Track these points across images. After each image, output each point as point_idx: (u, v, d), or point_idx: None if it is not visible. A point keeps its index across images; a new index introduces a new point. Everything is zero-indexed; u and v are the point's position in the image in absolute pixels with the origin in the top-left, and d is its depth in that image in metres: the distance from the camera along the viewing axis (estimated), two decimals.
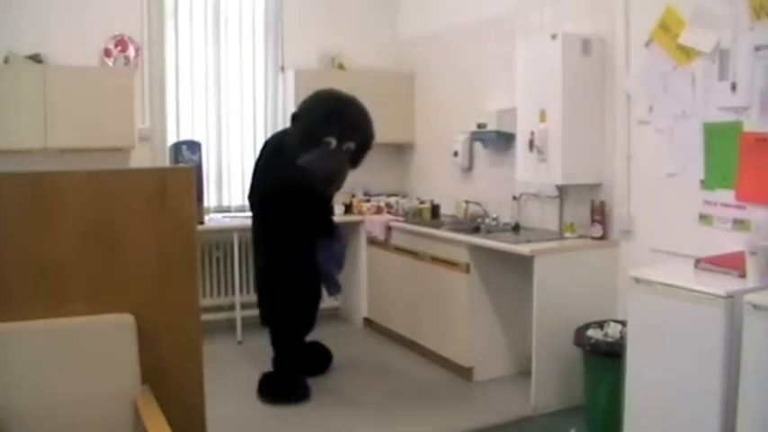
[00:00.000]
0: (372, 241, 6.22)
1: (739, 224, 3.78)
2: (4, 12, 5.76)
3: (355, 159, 4.87)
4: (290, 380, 4.85)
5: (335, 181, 4.82)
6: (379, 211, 6.47)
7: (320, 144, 4.66)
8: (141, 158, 6.13)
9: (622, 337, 3.82)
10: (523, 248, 4.44)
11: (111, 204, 3.12)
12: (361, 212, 6.47)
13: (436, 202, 6.21)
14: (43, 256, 3.01)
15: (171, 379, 3.20)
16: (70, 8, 5.96)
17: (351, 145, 4.75)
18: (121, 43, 6.13)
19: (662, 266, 3.74)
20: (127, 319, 3.06)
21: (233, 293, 6.29)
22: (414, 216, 6.06)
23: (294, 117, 4.84)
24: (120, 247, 3.13)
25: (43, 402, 2.86)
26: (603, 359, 3.92)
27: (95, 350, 3.00)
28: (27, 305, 2.95)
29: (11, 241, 2.95)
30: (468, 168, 6.06)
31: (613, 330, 4.06)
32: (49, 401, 2.88)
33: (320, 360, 5.32)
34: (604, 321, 4.17)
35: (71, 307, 3.02)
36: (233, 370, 5.32)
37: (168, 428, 2.73)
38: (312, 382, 4.97)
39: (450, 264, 5.10)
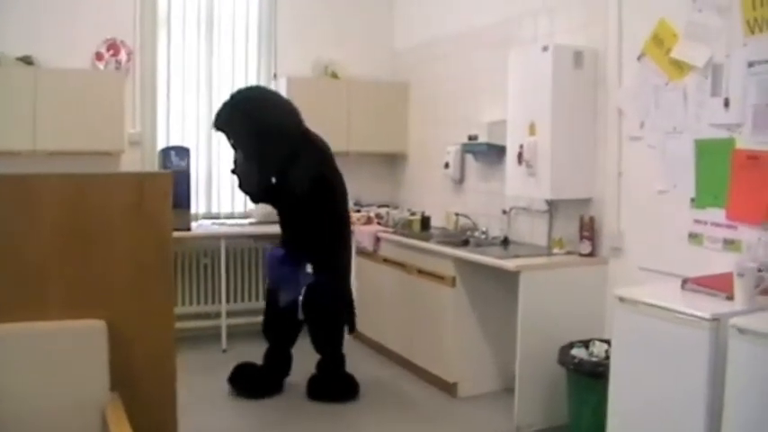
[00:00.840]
0: (361, 252, 6.14)
1: (729, 244, 3.69)
2: None
3: (247, 153, 4.78)
4: (347, 377, 4.98)
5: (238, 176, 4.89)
6: (369, 221, 6.39)
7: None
8: (131, 163, 6.08)
9: (607, 357, 3.74)
10: (509, 263, 4.35)
11: (89, 208, 3.09)
12: (351, 222, 6.38)
13: (427, 213, 6.13)
14: (19, 258, 2.97)
15: (143, 387, 3.15)
16: (63, 11, 5.94)
17: (231, 142, 4.86)
18: (113, 47, 6.09)
19: (649, 286, 3.66)
20: (98, 325, 3.00)
21: (218, 302, 6.20)
22: (403, 227, 5.98)
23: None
24: (95, 252, 3.09)
25: (8, 407, 2.80)
26: (587, 379, 3.83)
27: (64, 355, 2.95)
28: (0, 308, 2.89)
29: None
30: (460, 180, 5.98)
31: (599, 350, 3.98)
32: (15, 406, 2.82)
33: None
34: (589, 340, 4.09)
35: (45, 311, 2.98)
36: (214, 379, 5.21)
37: None
38: (293, 392, 4.95)
39: (437, 277, 5.02)
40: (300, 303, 4.81)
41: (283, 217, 5.01)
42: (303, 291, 4.79)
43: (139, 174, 3.34)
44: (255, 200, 5.24)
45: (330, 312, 4.93)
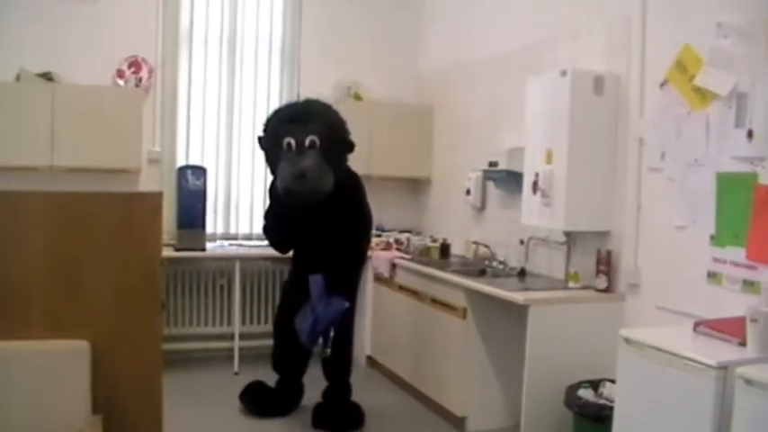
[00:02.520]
0: (378, 278, 6.01)
1: (749, 285, 3.46)
2: (18, 30, 5.78)
3: (329, 154, 4.57)
4: (353, 407, 4.88)
5: (302, 177, 4.48)
6: (387, 247, 6.25)
7: (282, 148, 4.55)
8: (149, 181, 6.05)
9: None
10: (518, 296, 4.17)
11: (75, 227, 3.04)
12: (370, 248, 6.24)
13: (449, 240, 5.99)
14: (2, 277, 2.93)
15: (127, 411, 3.08)
16: (85, 27, 5.96)
17: (314, 139, 4.53)
18: (135, 64, 6.07)
19: (660, 327, 3.48)
20: (81, 346, 2.94)
21: (232, 324, 6.11)
22: (421, 254, 5.83)
23: (259, 139, 4.82)
24: (81, 271, 3.04)
25: None
26: (592, 423, 3.62)
27: (44, 376, 2.89)
28: None
29: None
30: (481, 208, 5.82)
31: (609, 391, 3.75)
32: None
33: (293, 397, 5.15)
34: (600, 381, 3.87)
35: (27, 330, 2.93)
36: (224, 401, 5.15)
37: None
38: (299, 419, 4.89)
39: (448, 307, 4.86)
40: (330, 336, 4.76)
41: (308, 239, 4.85)
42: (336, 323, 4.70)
43: (128, 193, 3.28)
44: (311, 199, 4.63)
45: (346, 340, 4.87)
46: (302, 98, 4.89)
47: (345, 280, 4.72)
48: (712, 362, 2.78)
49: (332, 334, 4.75)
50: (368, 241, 5.11)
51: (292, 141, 4.52)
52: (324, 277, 4.58)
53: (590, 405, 3.69)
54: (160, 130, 6.22)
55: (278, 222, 4.88)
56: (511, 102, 5.32)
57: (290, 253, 5.10)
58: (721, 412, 2.75)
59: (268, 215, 4.96)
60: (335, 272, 4.62)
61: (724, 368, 2.76)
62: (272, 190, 4.81)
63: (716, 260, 3.65)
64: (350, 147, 4.68)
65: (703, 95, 3.75)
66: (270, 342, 5.24)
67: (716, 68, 3.67)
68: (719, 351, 2.91)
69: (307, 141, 4.50)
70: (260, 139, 4.79)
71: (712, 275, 3.67)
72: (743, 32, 3.52)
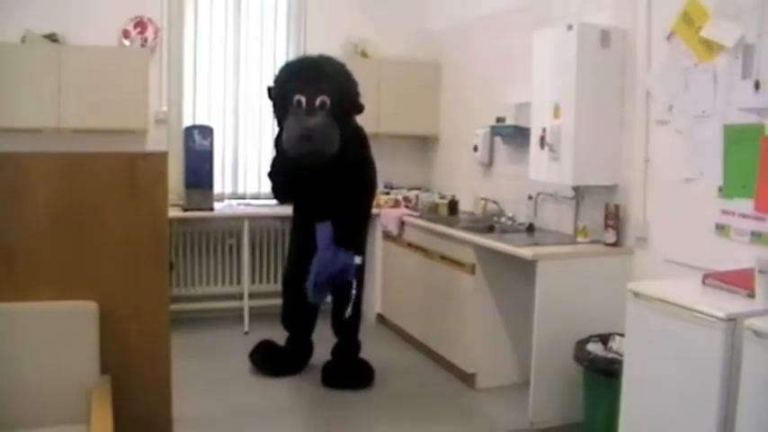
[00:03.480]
0: (387, 235, 6.00)
1: (757, 237, 3.45)
2: None
3: (338, 116, 4.53)
4: (362, 364, 4.91)
5: (309, 139, 4.44)
6: (396, 204, 6.25)
7: (292, 104, 4.50)
8: (156, 141, 6.03)
9: None
10: (526, 252, 4.16)
11: (80, 188, 3.03)
12: (378, 205, 6.24)
13: (458, 197, 5.97)
14: (9, 239, 2.93)
15: (136, 370, 3.10)
16: None
17: (324, 99, 4.48)
18: (141, 25, 6.03)
19: (668, 280, 3.47)
20: (89, 307, 2.96)
21: (242, 283, 6.14)
22: (429, 211, 5.82)
23: (269, 89, 4.75)
24: (88, 233, 3.04)
25: None
26: (601, 376, 3.64)
27: (53, 336, 2.91)
28: None
29: None
30: (489, 164, 5.79)
31: (618, 345, 3.75)
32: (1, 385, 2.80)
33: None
34: (609, 335, 3.87)
35: (36, 292, 2.94)
36: (233, 360, 5.20)
37: (111, 425, 2.60)
38: (310, 377, 4.94)
39: (457, 264, 4.86)
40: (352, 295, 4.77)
41: (316, 194, 4.79)
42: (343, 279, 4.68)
43: (133, 153, 3.25)
44: (315, 162, 4.59)
45: (355, 295, 4.84)
46: (317, 54, 4.80)
47: (353, 234, 4.71)
48: (721, 314, 2.77)
49: (353, 292, 4.74)
50: (374, 196, 5.09)
51: (303, 99, 4.47)
52: (332, 226, 4.58)
53: (599, 359, 3.70)
54: (167, 90, 6.19)
55: (281, 175, 4.86)
56: (518, 57, 5.26)
57: (291, 206, 5.09)
58: (730, 364, 2.74)
59: (274, 163, 4.95)
60: (342, 226, 4.61)
61: (733, 320, 2.75)
62: (278, 142, 4.78)
63: (724, 212, 3.63)
64: (359, 109, 4.66)
65: (710, 47, 3.70)
66: (279, 301, 5.25)
67: (722, 20, 3.61)
68: (728, 303, 2.90)
69: (317, 101, 4.45)
70: (269, 89, 4.73)
71: (720, 227, 3.65)
72: None
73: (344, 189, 4.65)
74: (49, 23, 5.74)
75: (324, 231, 4.55)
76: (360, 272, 4.81)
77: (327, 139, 4.47)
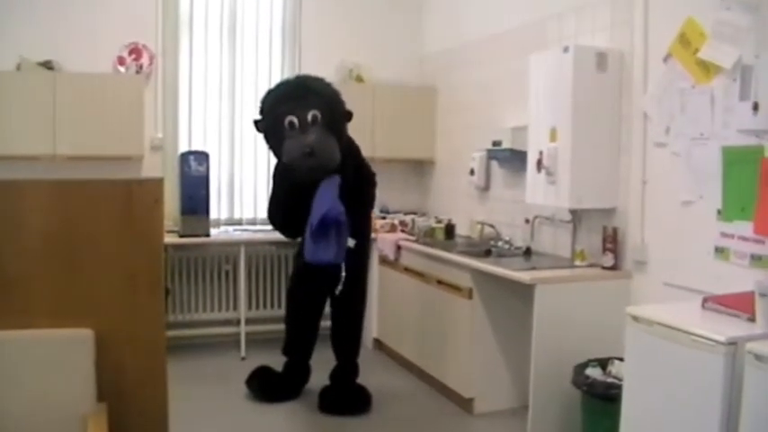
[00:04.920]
0: (384, 260, 5.98)
1: (757, 260, 3.43)
2: (18, 18, 5.75)
3: (332, 127, 4.55)
4: (359, 389, 4.88)
5: (311, 154, 4.45)
6: (392, 229, 6.22)
7: (285, 128, 4.51)
8: (152, 168, 6.01)
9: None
10: (524, 276, 4.14)
11: (76, 215, 3.00)
12: (375, 230, 6.21)
13: (454, 221, 5.95)
14: (4, 266, 2.90)
15: (132, 397, 3.06)
16: (85, 15, 5.92)
17: (315, 113, 4.50)
18: (136, 51, 6.04)
19: (667, 304, 3.45)
20: (85, 334, 2.92)
21: (236, 309, 6.12)
22: (425, 236, 5.80)
23: (256, 122, 4.74)
24: (83, 260, 3.01)
25: None
26: (600, 401, 3.60)
27: (49, 364, 2.87)
28: None
29: None
30: (485, 188, 5.78)
31: (617, 369, 3.73)
32: None
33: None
34: (608, 359, 3.84)
35: (31, 320, 2.90)
36: (230, 386, 5.16)
37: None
38: (307, 402, 4.90)
39: (455, 288, 4.83)
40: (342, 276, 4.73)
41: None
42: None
43: (128, 180, 3.23)
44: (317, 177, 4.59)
45: (357, 314, 4.94)
46: (292, 76, 4.87)
47: (359, 222, 4.75)
48: (721, 338, 2.75)
49: (343, 274, 4.70)
50: (374, 185, 5.02)
51: (294, 119, 4.48)
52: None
53: (598, 384, 3.67)
54: (162, 116, 6.19)
55: (284, 204, 4.80)
56: (514, 80, 5.27)
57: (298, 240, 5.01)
58: (731, 389, 2.72)
59: (273, 200, 4.92)
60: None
61: (733, 344, 2.72)
62: (276, 173, 4.80)
63: (723, 235, 3.62)
64: (348, 116, 4.69)
65: (707, 69, 3.70)
66: (276, 326, 5.21)
67: (720, 41, 3.62)
68: (728, 327, 2.87)
69: (309, 117, 4.48)
70: (256, 122, 4.72)
71: (720, 250, 3.63)
72: (746, 4, 3.47)
73: (349, 199, 4.58)
74: (43, 50, 5.75)
75: (329, 181, 4.53)
76: (357, 262, 4.83)
77: (328, 152, 4.49)
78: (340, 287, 4.73)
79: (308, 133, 4.46)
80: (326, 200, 4.45)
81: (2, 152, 5.37)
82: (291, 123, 4.48)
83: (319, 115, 4.48)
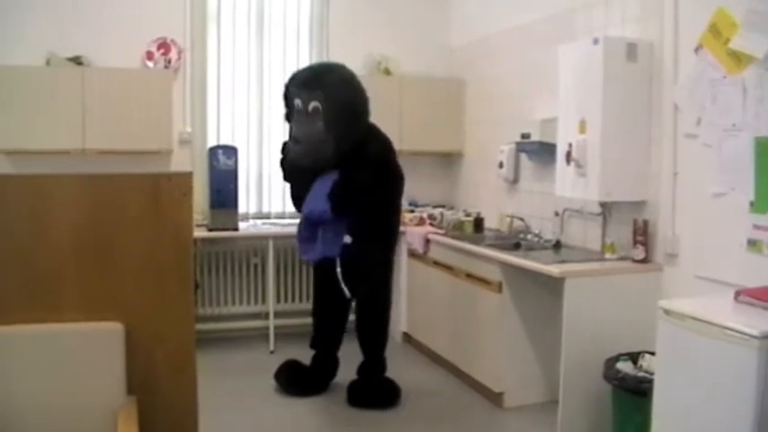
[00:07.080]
0: (413, 254, 5.97)
1: None
2: (47, 15, 5.81)
3: (332, 121, 4.54)
4: (388, 383, 4.88)
5: (296, 142, 4.65)
6: (421, 222, 6.21)
7: (294, 108, 4.67)
8: (181, 162, 6.06)
9: None
10: (554, 269, 4.10)
11: (106, 209, 3.01)
12: (403, 223, 6.19)
13: (483, 214, 5.92)
14: (34, 260, 2.92)
15: (162, 390, 3.07)
16: (113, 11, 5.97)
17: (316, 105, 4.54)
18: (164, 46, 6.07)
19: (699, 297, 3.39)
20: (115, 328, 2.94)
21: (267, 302, 6.13)
22: (454, 229, 5.78)
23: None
24: (113, 254, 3.01)
25: (20, 407, 2.78)
26: (631, 396, 3.56)
27: (80, 358, 2.89)
28: (15, 310, 2.86)
29: (1, 244, 2.87)
30: (514, 180, 5.75)
31: (648, 363, 3.68)
32: (27, 407, 2.79)
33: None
34: (639, 353, 3.80)
35: (61, 314, 2.92)
36: (259, 379, 5.17)
37: None
38: (335, 396, 4.91)
39: (484, 281, 4.81)
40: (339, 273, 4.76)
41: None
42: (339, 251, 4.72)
43: (157, 174, 3.24)
44: (306, 168, 4.75)
45: (383, 309, 4.93)
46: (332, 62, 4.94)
47: (364, 221, 4.73)
48: (755, 331, 2.70)
49: (338, 270, 4.74)
50: (398, 195, 4.98)
51: (300, 104, 4.61)
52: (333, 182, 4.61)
53: (629, 378, 3.63)
54: (190, 110, 6.23)
55: (291, 186, 5.06)
56: (542, 72, 5.23)
57: None
58: (765, 383, 2.68)
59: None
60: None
61: (767, 338, 2.68)
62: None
63: (756, 227, 3.55)
64: (360, 113, 4.65)
65: (738, 59, 3.64)
66: (304, 320, 5.22)
67: (751, 31, 3.55)
68: (762, 320, 2.82)
69: (310, 107, 4.55)
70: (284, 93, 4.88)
71: (752, 243, 3.57)
72: None
73: (350, 197, 4.64)
74: (73, 46, 5.81)
75: (323, 178, 4.64)
76: (375, 261, 4.84)
77: (314, 145, 4.57)
78: (342, 284, 4.76)
79: (304, 123, 4.58)
80: (314, 198, 4.60)
81: (32, 147, 5.46)
82: (298, 106, 4.62)
83: (320, 107, 4.53)
